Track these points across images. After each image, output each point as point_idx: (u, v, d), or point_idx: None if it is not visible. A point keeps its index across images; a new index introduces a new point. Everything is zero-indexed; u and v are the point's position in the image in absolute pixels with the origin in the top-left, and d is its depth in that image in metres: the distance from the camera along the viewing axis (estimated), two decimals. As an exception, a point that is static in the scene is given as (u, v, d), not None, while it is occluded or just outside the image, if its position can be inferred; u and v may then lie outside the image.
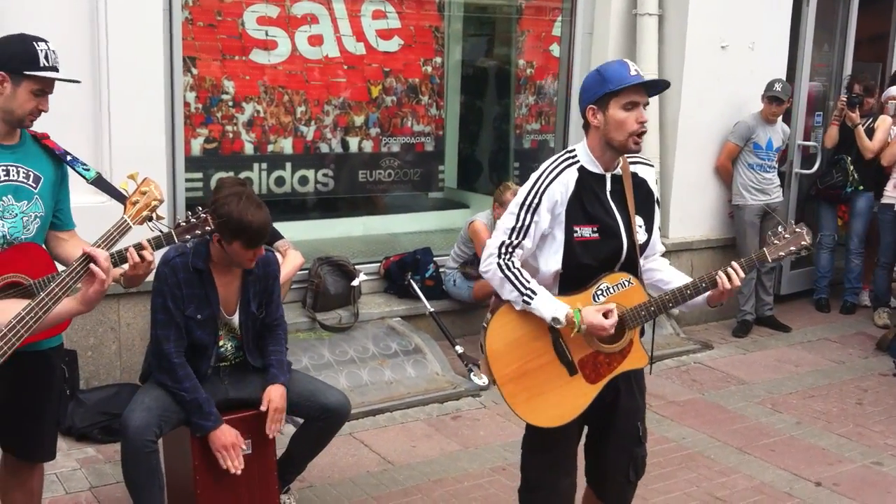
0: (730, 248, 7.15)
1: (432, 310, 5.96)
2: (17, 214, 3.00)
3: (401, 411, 5.16)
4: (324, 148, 6.53)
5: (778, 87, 6.69)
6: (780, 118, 6.85)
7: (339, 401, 3.79)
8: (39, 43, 2.97)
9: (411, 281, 6.07)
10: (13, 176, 3.01)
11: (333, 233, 6.84)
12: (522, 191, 3.00)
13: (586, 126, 3.00)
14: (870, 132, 7.22)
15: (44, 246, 3.12)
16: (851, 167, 7.32)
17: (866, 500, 4.40)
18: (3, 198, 2.97)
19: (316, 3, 6.26)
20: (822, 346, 6.81)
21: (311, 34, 6.29)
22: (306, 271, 5.77)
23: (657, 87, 3.05)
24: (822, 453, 4.91)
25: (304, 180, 6.49)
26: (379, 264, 6.34)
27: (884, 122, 7.28)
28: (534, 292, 2.92)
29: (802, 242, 3.10)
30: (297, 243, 5.23)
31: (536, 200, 2.95)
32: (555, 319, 2.90)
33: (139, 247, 2.99)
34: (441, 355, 5.70)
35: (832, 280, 7.76)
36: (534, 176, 3.01)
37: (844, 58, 8.07)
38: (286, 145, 6.34)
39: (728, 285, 3.01)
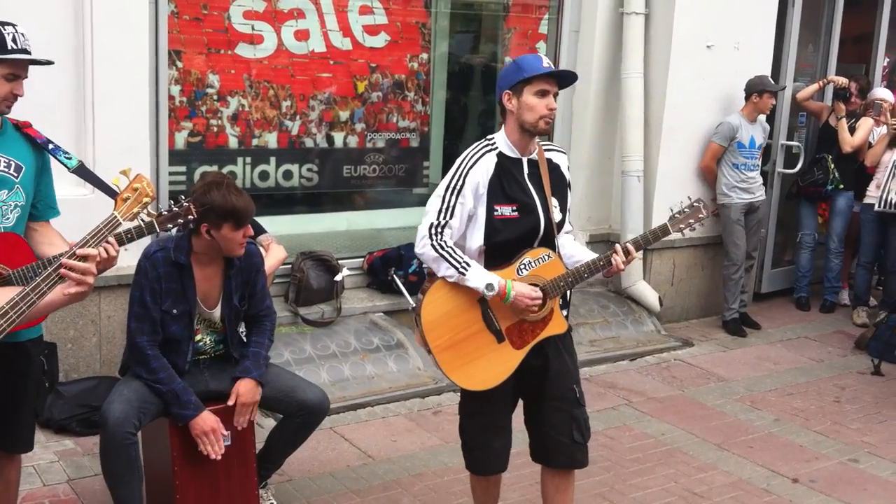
0: (712, 246, 7.19)
1: (415, 305, 5.95)
2: (-5, 204, 3.00)
3: (382, 406, 5.17)
4: (308, 143, 6.52)
5: (771, 80, 6.84)
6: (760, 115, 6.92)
7: (317, 398, 3.80)
8: (6, 27, 2.94)
9: (394, 276, 6.07)
10: (-7, 165, 3.00)
11: (317, 227, 6.82)
12: (447, 175, 3.27)
13: (503, 112, 3.28)
14: (851, 132, 7.31)
15: (23, 236, 3.11)
16: (832, 166, 7.40)
17: (843, 496, 4.45)
18: (-17, 187, 2.97)
19: (303, -2, 6.26)
20: (801, 344, 6.87)
21: (297, 29, 6.28)
22: (289, 265, 5.77)
23: (567, 80, 3.32)
24: (799, 450, 4.96)
25: (288, 175, 6.48)
26: (362, 259, 6.34)
27: (865, 122, 7.38)
28: (468, 264, 3.19)
29: (700, 215, 3.46)
30: (280, 237, 5.22)
31: (460, 183, 3.23)
32: (489, 286, 3.17)
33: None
34: (423, 351, 5.71)
35: (812, 279, 7.82)
36: (457, 161, 3.30)
37: (829, 58, 8.12)
38: (271, 140, 6.33)
39: (621, 267, 3.30)
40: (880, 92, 7.63)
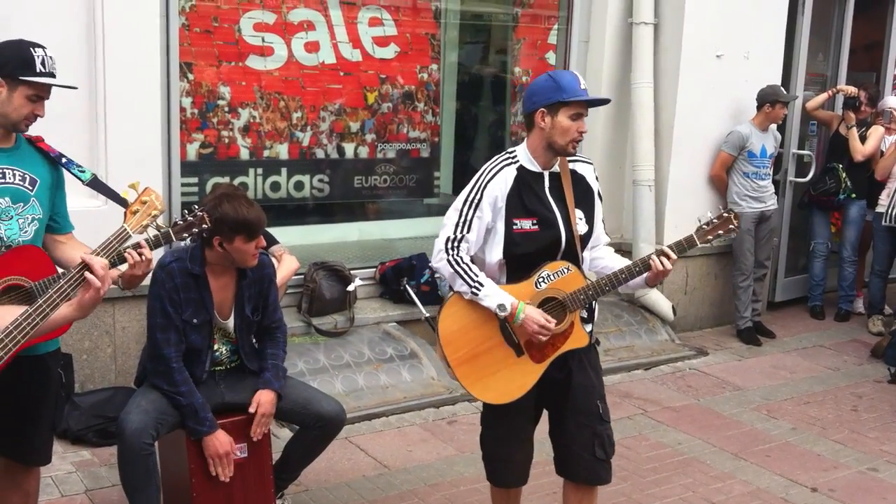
0: (723, 255, 7.17)
1: (428, 315, 5.94)
2: (13, 217, 3.01)
3: (397, 416, 5.15)
4: (319, 153, 6.53)
5: (783, 90, 6.82)
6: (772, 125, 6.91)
7: (334, 409, 3.79)
8: (36, 49, 2.98)
9: (407, 286, 6.06)
10: (9, 179, 3.01)
11: (329, 238, 6.83)
12: (466, 188, 3.23)
13: (530, 125, 3.21)
14: (862, 140, 7.30)
15: (42, 248, 3.12)
16: (844, 174, 7.38)
17: (862, 505, 4.42)
18: (0, 200, 2.98)
19: (313, 10, 6.26)
20: (817, 352, 6.83)
21: (307, 41, 6.29)
22: (302, 276, 5.77)
23: (596, 102, 3.33)
24: (817, 459, 4.92)
25: (299, 185, 6.49)
26: (374, 269, 6.34)
27: (876, 130, 7.36)
28: (481, 284, 3.17)
29: (730, 226, 3.31)
30: (292, 248, 5.23)
31: (478, 197, 3.19)
32: (500, 307, 3.13)
33: (137, 246, 3.01)
34: (437, 360, 5.70)
35: (826, 287, 7.79)
36: (476, 174, 3.24)
37: (839, 67, 8.11)
38: (282, 151, 6.34)
39: (660, 268, 3.19)
40: (891, 100, 7.61)
